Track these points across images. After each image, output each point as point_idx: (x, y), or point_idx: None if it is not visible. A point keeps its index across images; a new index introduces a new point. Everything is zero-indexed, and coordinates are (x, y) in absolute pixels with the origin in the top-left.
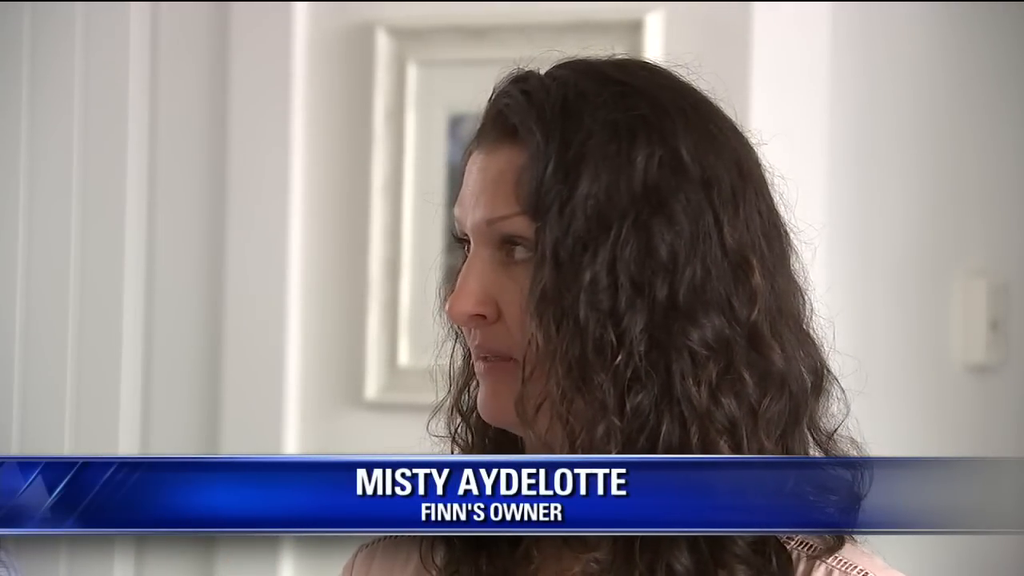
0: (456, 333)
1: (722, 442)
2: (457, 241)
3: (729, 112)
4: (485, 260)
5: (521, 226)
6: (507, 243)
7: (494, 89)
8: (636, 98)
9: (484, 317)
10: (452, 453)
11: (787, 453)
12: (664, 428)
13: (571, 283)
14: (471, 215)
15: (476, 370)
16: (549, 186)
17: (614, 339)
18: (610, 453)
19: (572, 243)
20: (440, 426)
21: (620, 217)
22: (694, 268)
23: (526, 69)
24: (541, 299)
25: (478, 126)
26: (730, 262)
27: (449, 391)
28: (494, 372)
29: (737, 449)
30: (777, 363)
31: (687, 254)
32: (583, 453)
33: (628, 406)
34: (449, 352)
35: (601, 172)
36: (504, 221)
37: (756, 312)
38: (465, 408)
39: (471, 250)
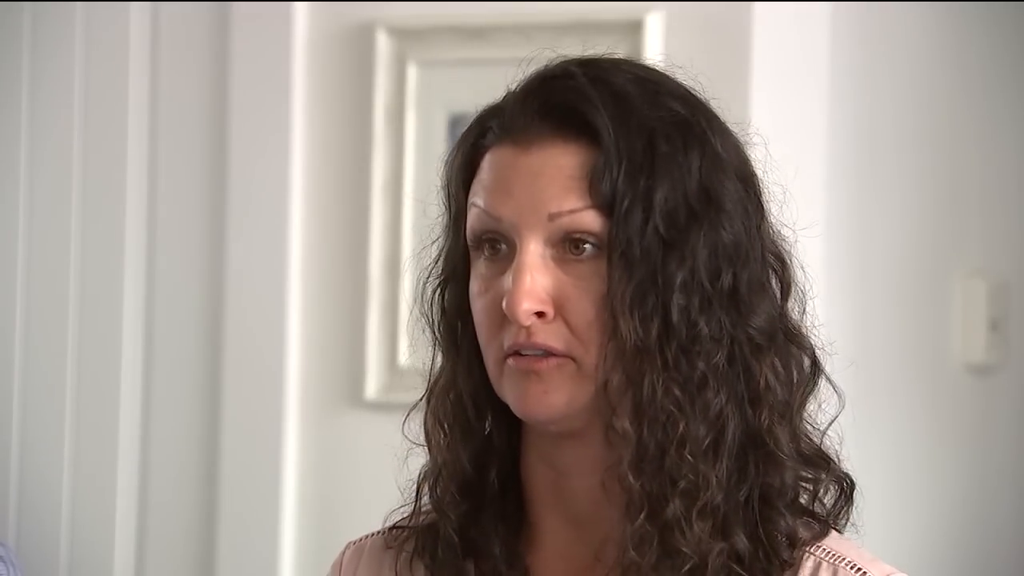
0: (436, 338)
1: (779, 429)
2: (472, 242)
3: (727, 112)
4: (538, 255)
5: (591, 221)
6: (570, 238)
7: (525, 84)
8: (671, 98)
9: (543, 315)
10: (431, 455)
11: (797, 440)
12: (733, 422)
13: (655, 280)
14: (520, 208)
15: (509, 366)
16: (626, 182)
17: (701, 333)
18: (699, 446)
19: (651, 240)
20: (415, 427)
21: (692, 216)
22: (750, 262)
23: (557, 63)
24: (632, 295)
25: (505, 122)
26: (767, 257)
27: (426, 394)
28: (542, 369)
29: (788, 435)
30: (807, 352)
31: (746, 249)
32: (666, 449)
33: (711, 400)
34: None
35: (670, 170)
36: (572, 215)
37: (788, 305)
38: (441, 413)
39: (520, 245)
